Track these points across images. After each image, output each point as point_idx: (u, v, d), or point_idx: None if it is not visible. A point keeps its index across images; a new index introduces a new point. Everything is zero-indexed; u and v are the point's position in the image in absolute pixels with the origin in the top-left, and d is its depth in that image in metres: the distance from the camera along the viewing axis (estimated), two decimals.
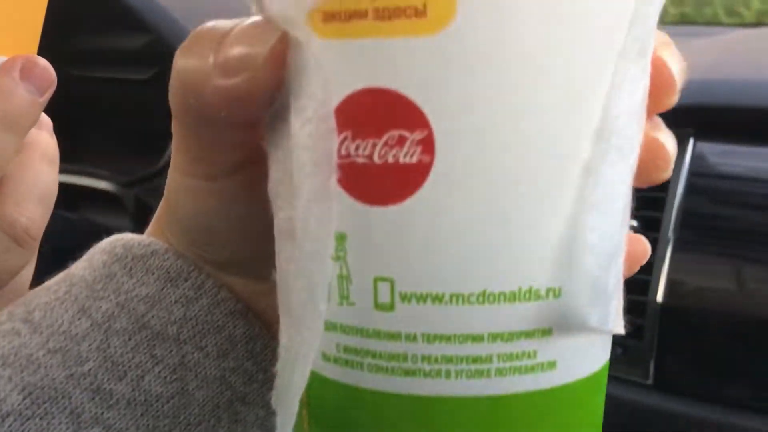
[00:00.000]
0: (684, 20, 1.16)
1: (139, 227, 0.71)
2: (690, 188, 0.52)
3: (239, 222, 0.18)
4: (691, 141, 0.53)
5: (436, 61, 0.12)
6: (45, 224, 0.27)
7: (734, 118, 0.55)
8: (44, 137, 0.28)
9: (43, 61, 0.26)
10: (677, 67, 0.16)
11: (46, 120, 0.29)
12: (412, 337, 0.13)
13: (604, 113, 0.13)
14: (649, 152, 0.16)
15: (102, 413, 0.17)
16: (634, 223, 0.52)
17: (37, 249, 0.28)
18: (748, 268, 0.51)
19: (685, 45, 0.67)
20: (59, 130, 1.02)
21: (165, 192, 0.19)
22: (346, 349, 0.14)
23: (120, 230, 0.72)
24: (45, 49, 1.00)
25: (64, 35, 0.93)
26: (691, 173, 0.52)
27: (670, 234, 0.52)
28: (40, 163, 0.27)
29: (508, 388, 0.13)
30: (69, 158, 0.94)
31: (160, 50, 0.80)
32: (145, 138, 0.94)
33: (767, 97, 0.55)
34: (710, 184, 0.54)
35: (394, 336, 0.13)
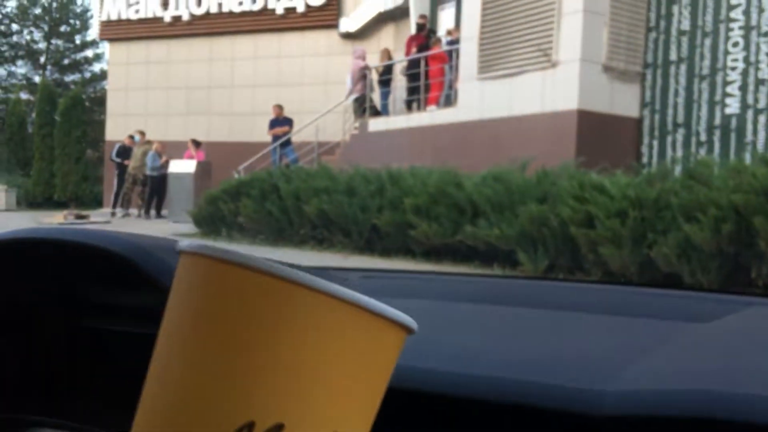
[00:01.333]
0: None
1: None
2: None
3: None
4: None
5: None
6: None
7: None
8: None
9: None
10: None
11: None
12: None
13: None
14: None
15: None
16: None
17: None
18: None
19: (691, 330, 0.64)
20: (61, 382, 0.97)
21: None
22: None
23: None
24: (53, 300, 0.99)
25: (76, 289, 0.94)
26: None
27: None
28: None
29: None
30: (68, 410, 0.89)
31: None
32: None
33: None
34: None
35: None
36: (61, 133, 16.09)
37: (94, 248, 0.82)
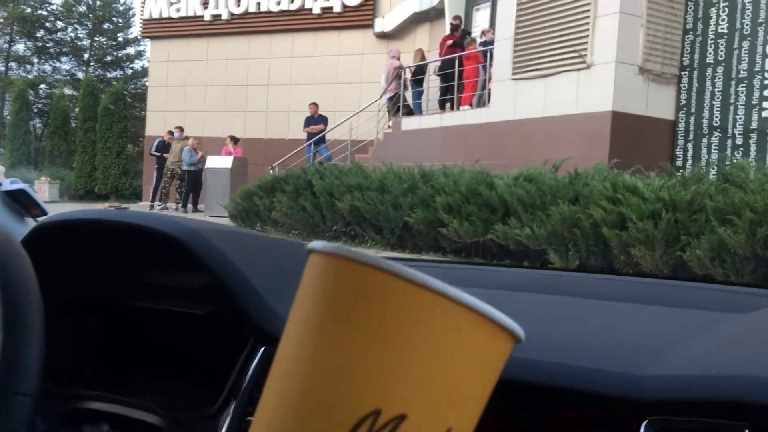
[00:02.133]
0: None
1: None
2: None
3: None
4: None
5: None
6: None
7: None
8: None
9: None
10: None
11: None
12: None
13: None
14: None
15: None
16: None
17: None
18: None
19: (731, 321, 0.69)
20: (112, 359, 1.06)
21: None
22: None
23: None
24: (105, 281, 1.06)
25: (126, 270, 0.99)
26: None
27: None
28: None
29: None
30: (119, 387, 0.96)
31: (218, 291, 0.85)
32: (198, 374, 0.97)
33: None
34: None
35: None
36: (103, 127, 16.46)
37: (147, 229, 0.85)
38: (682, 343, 0.69)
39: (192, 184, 12.07)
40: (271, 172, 10.13)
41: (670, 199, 4.89)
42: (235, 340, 0.85)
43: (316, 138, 11.21)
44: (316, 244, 0.31)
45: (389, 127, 10.91)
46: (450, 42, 10.18)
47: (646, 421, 0.57)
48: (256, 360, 0.82)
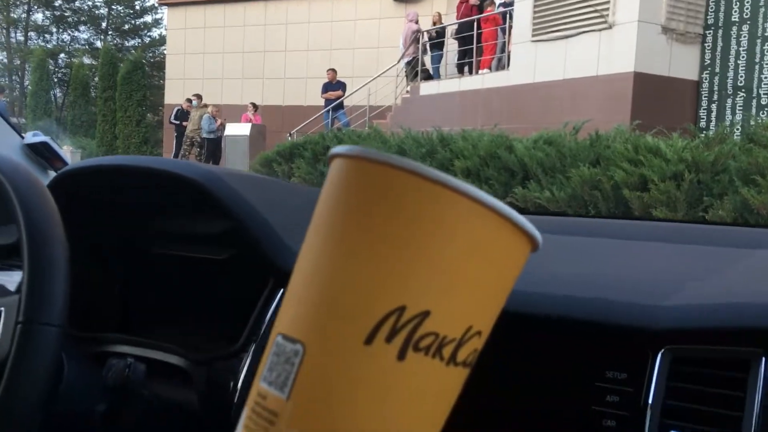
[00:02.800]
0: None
1: (207, 405, 0.74)
2: (766, 407, 0.52)
3: None
4: (763, 360, 0.54)
5: None
6: None
7: None
8: None
9: None
10: None
11: None
12: None
13: None
14: None
15: None
16: None
17: None
18: None
19: (748, 255, 0.69)
20: (137, 303, 1.08)
21: None
22: None
23: (188, 407, 0.74)
24: (127, 228, 1.07)
25: (148, 217, 1.00)
26: (766, 393, 0.52)
27: None
28: None
29: None
30: (143, 331, 0.98)
31: (238, 235, 0.86)
32: (220, 316, 0.98)
33: None
34: None
35: None
36: (123, 96, 16.53)
37: (166, 173, 0.86)
38: (702, 277, 0.69)
39: (211, 151, 12.13)
40: (290, 138, 10.13)
41: (692, 160, 4.81)
42: (255, 283, 0.87)
43: (334, 104, 11.16)
44: (339, 148, 0.31)
45: (407, 92, 10.81)
46: (468, 3, 9.99)
47: (663, 350, 0.57)
48: (276, 301, 0.83)
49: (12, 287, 0.78)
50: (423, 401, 0.28)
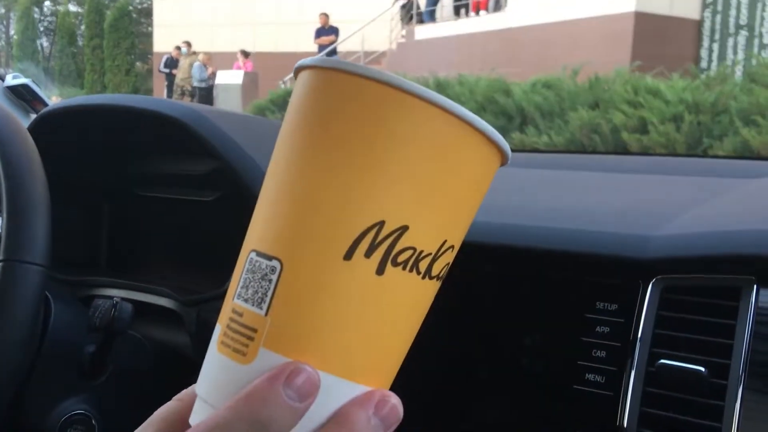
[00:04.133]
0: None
1: (199, 346, 0.73)
2: (757, 335, 0.51)
3: None
4: (755, 288, 0.53)
5: None
6: None
7: None
8: None
9: (395, 399, 0.28)
10: None
11: None
12: None
13: None
14: None
15: None
16: (703, 370, 0.51)
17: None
18: None
19: (745, 185, 0.67)
20: (124, 247, 1.07)
21: None
22: None
23: (181, 348, 0.73)
24: (113, 170, 1.06)
25: (132, 158, 0.99)
26: (758, 320, 0.52)
27: (740, 381, 0.50)
28: None
29: None
30: (132, 274, 0.98)
31: (225, 176, 0.85)
32: (208, 258, 0.98)
33: None
34: None
35: None
36: (110, 45, 16.22)
37: (148, 112, 0.84)
38: (693, 206, 0.68)
39: (203, 101, 11.97)
40: (283, 86, 9.98)
41: (693, 100, 4.76)
42: (243, 224, 0.85)
43: (327, 50, 10.95)
44: (305, 60, 0.30)
45: (402, 36, 10.61)
46: None
47: (653, 280, 0.57)
48: None
49: None
50: (400, 315, 0.29)
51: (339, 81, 0.28)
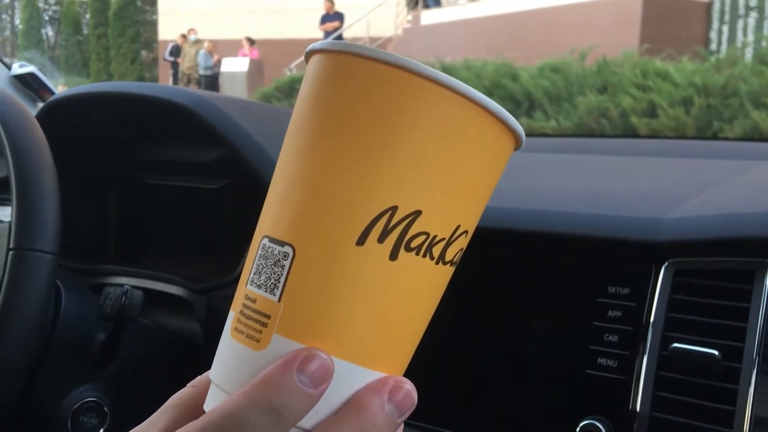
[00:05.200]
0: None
1: (210, 333, 0.73)
2: None
3: None
4: None
5: None
6: None
7: None
8: None
9: (409, 385, 0.28)
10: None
11: None
12: None
13: None
14: None
15: None
16: (716, 353, 0.51)
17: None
18: None
19: (757, 167, 0.67)
20: (133, 235, 1.07)
21: None
22: None
23: (191, 336, 0.73)
24: (120, 158, 1.06)
25: (140, 146, 0.99)
26: None
27: (753, 364, 0.50)
28: None
29: None
30: (142, 262, 0.98)
31: (232, 163, 0.84)
32: (217, 245, 0.98)
33: None
34: None
35: None
36: (115, 33, 16.20)
37: (156, 100, 0.83)
38: (706, 189, 0.67)
39: (209, 89, 11.95)
40: (288, 73, 9.95)
41: (702, 83, 4.72)
42: (251, 211, 0.85)
43: (332, 36, 10.90)
44: (316, 44, 0.29)
45: (408, 22, 10.54)
46: None
47: (666, 263, 0.56)
48: None
49: (6, 219, 0.77)
50: (413, 300, 0.28)
51: (349, 64, 0.28)
